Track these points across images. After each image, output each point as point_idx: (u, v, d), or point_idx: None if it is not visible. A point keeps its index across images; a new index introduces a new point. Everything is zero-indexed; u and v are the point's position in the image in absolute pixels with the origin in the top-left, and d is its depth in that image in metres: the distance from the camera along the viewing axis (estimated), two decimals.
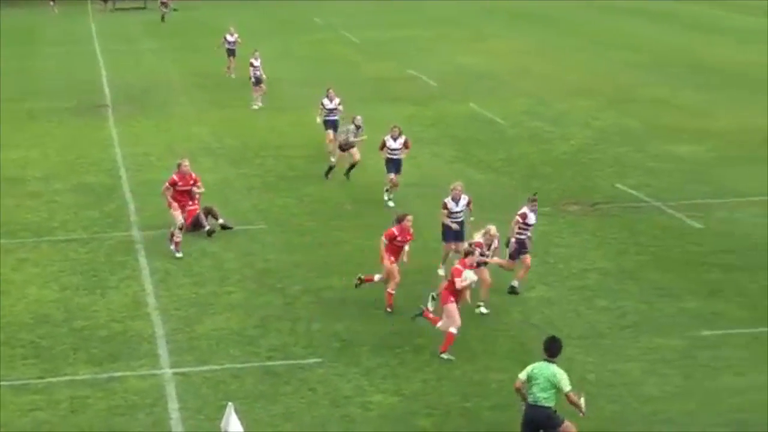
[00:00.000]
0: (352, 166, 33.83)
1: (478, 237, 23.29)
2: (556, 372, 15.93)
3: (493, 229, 23.32)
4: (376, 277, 23.79)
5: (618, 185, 33.22)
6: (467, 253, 21.54)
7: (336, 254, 27.31)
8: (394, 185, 31.18)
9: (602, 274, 25.61)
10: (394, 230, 23.41)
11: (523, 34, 68.51)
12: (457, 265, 21.30)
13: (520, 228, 24.39)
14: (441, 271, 24.97)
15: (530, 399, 16.09)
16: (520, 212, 24.54)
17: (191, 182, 28.07)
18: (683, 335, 21.87)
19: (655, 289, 24.40)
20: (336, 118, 36.89)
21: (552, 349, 16.20)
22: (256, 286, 25.13)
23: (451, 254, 25.06)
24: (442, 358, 20.89)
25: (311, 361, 21.01)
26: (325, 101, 36.94)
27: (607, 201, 31.58)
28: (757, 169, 34.81)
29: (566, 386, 15.87)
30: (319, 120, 37.29)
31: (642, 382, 19.83)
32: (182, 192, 27.97)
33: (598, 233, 28.75)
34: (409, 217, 23.66)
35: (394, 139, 30.99)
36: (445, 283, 21.53)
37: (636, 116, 43.24)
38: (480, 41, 65.66)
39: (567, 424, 16.16)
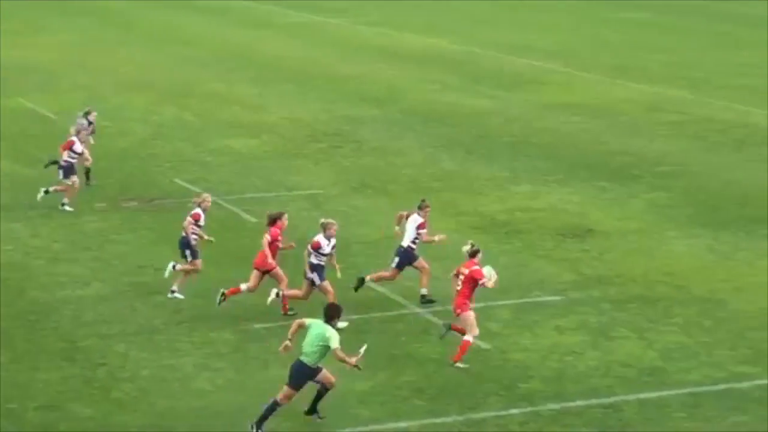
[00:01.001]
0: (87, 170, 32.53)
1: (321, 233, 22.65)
2: (326, 330, 17.77)
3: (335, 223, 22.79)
4: (243, 286, 23.04)
5: (176, 180, 33.43)
6: (475, 253, 21.08)
7: None
8: (75, 188, 30.33)
9: (159, 269, 25.63)
10: (276, 230, 22.75)
11: (74, 28, 66.99)
12: (474, 267, 20.82)
13: (417, 237, 23.92)
14: (178, 295, 23.98)
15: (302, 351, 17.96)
16: (418, 222, 23.93)
17: None
18: (236, 329, 22.32)
19: (211, 283, 24.59)
20: None
21: (327, 313, 18.10)
22: None
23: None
24: (458, 366, 20.71)
25: None
26: None
27: (165, 196, 31.72)
28: (303, 163, 36.04)
29: (334, 344, 17.67)
30: None
31: (195, 376, 20.10)
32: None
33: (156, 229, 28.84)
34: (286, 215, 23.13)
35: (81, 143, 30.46)
36: (459, 290, 20.87)
37: (193, 111, 43.57)
38: (29, 35, 63.65)
39: (324, 372, 18.10)
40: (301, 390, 18.13)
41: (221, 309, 23.18)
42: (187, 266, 24.08)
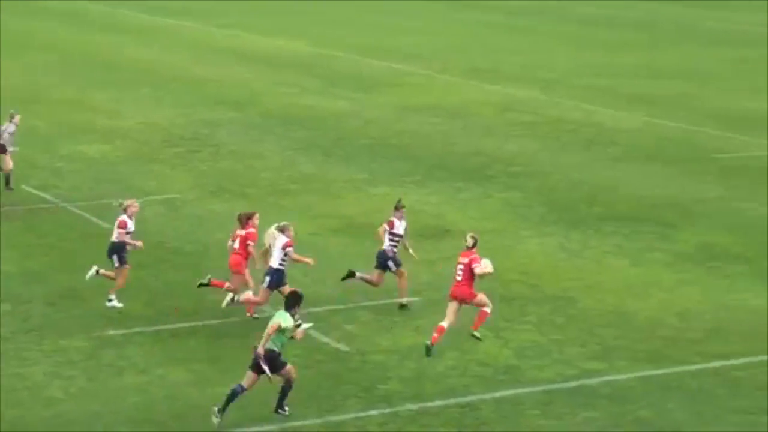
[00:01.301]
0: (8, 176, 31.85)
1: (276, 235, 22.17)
2: (285, 316, 18.35)
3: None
4: (227, 284, 22.99)
5: (24, 187, 32.71)
6: (474, 244, 21.77)
7: None
8: None
9: (6, 277, 25.16)
10: (253, 231, 22.46)
11: None
12: (473, 256, 21.65)
13: (391, 240, 23.69)
14: (116, 303, 23.41)
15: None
16: (387, 221, 23.74)
17: None
18: (89, 335, 21.96)
19: (62, 291, 24.28)
20: None
21: (287, 301, 18.71)
22: None
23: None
24: (475, 335, 21.80)
25: None
26: None
27: (13, 204, 31.02)
28: (160, 167, 35.63)
29: (283, 320, 18.23)
30: None
31: (46, 385, 19.71)
32: None
33: (2, 237, 28.16)
34: (257, 214, 22.91)
35: None
36: (458, 280, 21.58)
37: (43, 117, 42.61)
38: None
39: (289, 367, 18.53)
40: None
41: (73, 316, 22.75)
42: (110, 273, 23.46)
